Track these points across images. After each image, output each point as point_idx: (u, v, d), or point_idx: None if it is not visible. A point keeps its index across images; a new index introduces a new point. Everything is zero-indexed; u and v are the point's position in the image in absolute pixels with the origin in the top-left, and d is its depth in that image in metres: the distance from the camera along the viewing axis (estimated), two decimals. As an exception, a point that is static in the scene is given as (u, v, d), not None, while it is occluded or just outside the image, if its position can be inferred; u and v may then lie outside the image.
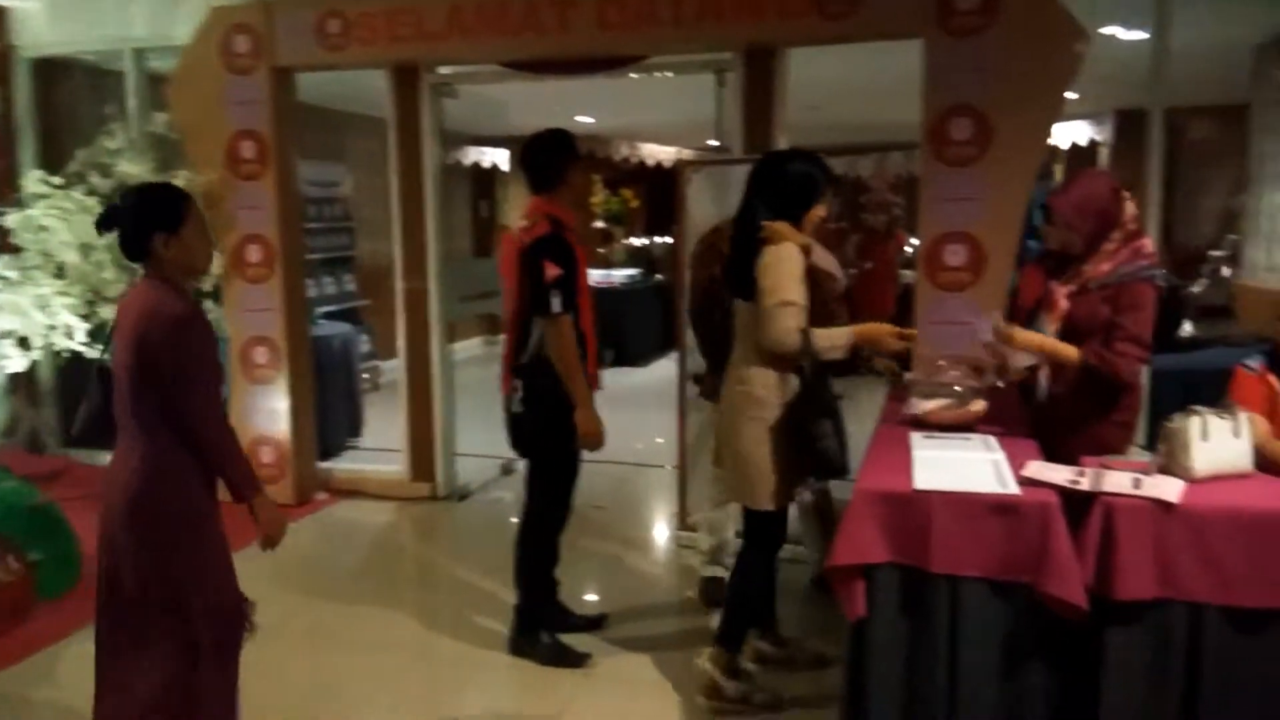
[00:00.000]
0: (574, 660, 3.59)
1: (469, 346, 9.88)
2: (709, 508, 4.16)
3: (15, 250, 5.27)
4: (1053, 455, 2.62)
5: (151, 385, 2.40)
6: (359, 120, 8.93)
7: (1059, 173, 9.58)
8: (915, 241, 4.70)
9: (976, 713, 2.39)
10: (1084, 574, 2.29)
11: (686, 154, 11.74)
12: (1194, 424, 2.41)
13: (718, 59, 4.97)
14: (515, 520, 3.74)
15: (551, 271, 3.31)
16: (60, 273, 5.26)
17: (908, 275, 5.85)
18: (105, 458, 2.59)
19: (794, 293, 2.96)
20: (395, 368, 5.86)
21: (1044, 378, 3.02)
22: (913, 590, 2.42)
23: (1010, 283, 4.30)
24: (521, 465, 3.72)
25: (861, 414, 3.79)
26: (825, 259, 3.17)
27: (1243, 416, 2.47)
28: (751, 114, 4.71)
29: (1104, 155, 9.51)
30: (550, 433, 3.51)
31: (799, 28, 4.48)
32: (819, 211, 3.12)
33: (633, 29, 4.71)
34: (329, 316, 7.56)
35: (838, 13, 4.38)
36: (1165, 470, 2.44)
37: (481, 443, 5.57)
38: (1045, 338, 2.89)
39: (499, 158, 11.10)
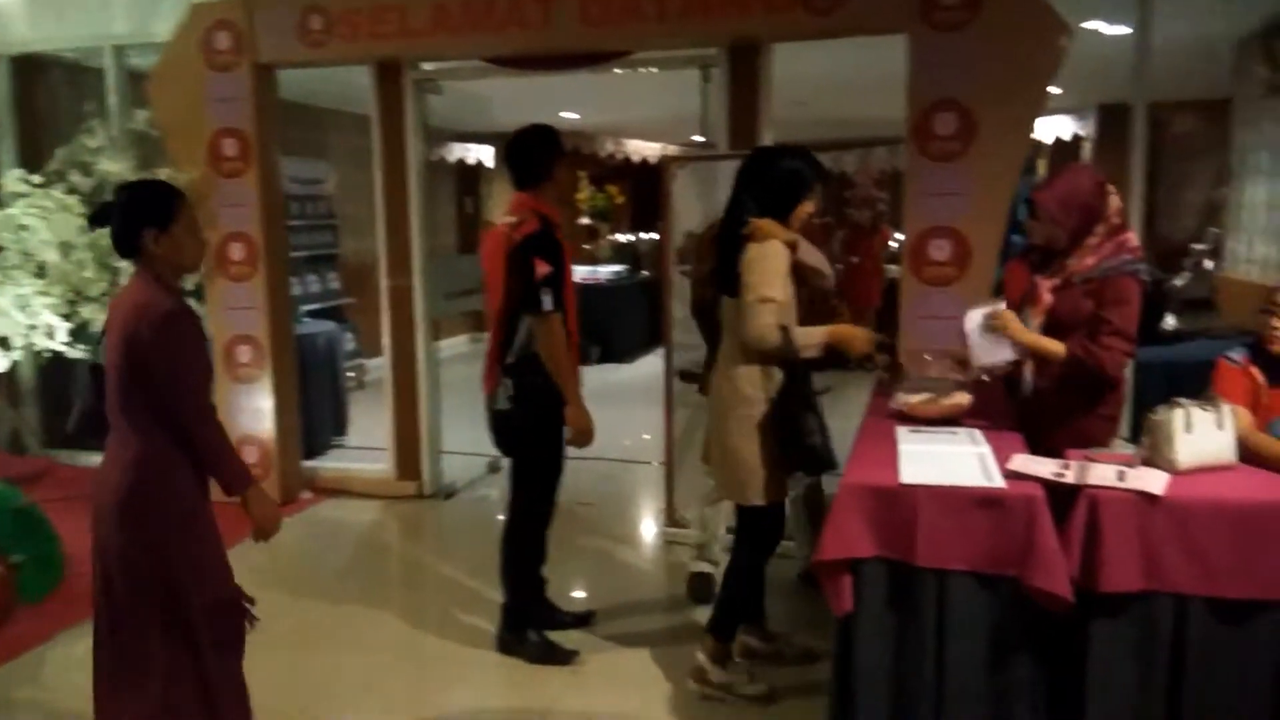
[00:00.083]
0: (562, 658, 3.58)
1: (454, 344, 9.85)
2: (702, 503, 4.16)
3: (-5, 250, 5.23)
4: (1038, 448, 2.63)
5: (141, 382, 2.40)
6: (342, 117, 8.88)
7: (1042, 167, 9.63)
8: (900, 236, 4.70)
9: (964, 705, 2.40)
10: (1069, 566, 2.30)
11: (672, 150, 11.73)
12: (1178, 416, 2.42)
13: (703, 54, 4.96)
14: (502, 518, 3.73)
15: (542, 269, 3.29)
16: (41, 272, 5.21)
17: (893, 270, 5.87)
18: (88, 458, 2.58)
19: (775, 289, 2.97)
20: (380, 365, 5.83)
21: (1028, 372, 3.03)
22: (899, 584, 2.43)
23: (995, 278, 4.32)
24: (507, 463, 3.71)
25: (850, 408, 3.79)
26: (812, 255, 3.16)
27: (1226, 409, 2.49)
28: (737, 109, 4.71)
29: (1087, 150, 9.57)
30: (538, 430, 3.50)
31: (784, 23, 4.48)
32: (807, 208, 3.12)
33: (617, 24, 4.70)
34: (313, 314, 7.52)
35: (822, 8, 4.38)
36: (1149, 463, 2.46)
37: (468, 441, 5.55)
38: (1034, 335, 2.89)
39: (483, 154, 11.06)
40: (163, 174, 5.01)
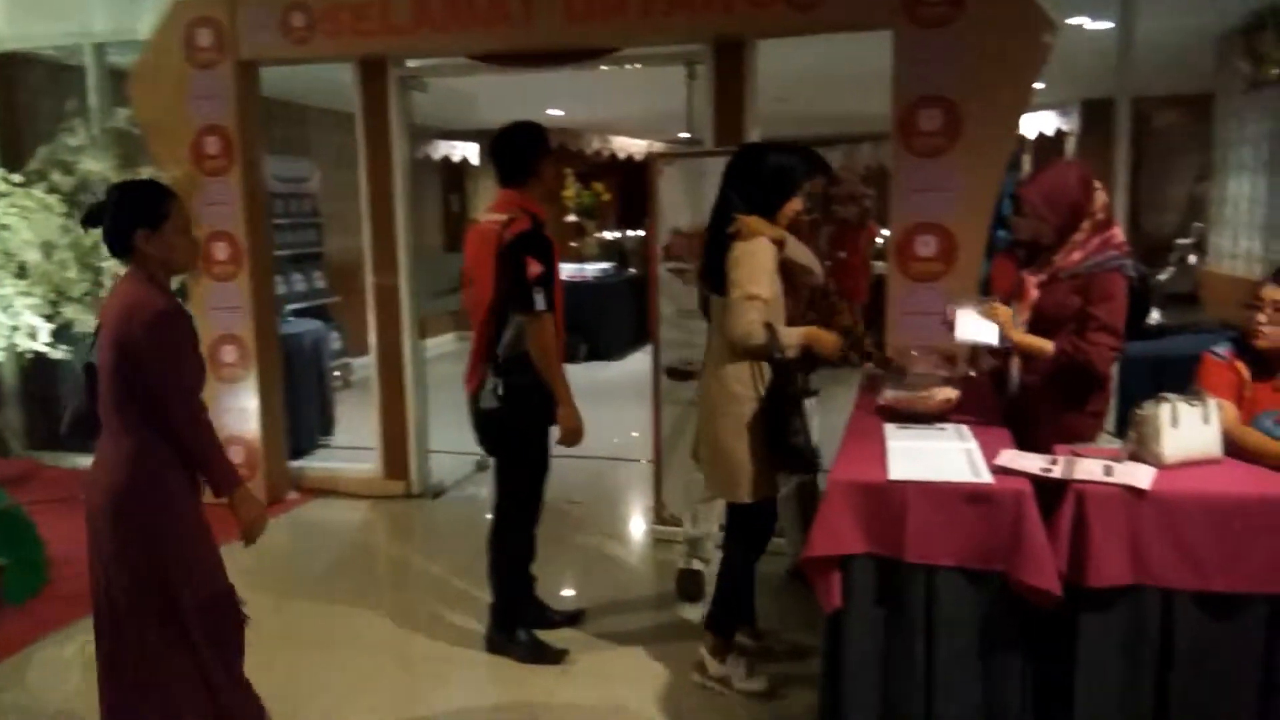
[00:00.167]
0: (551, 657, 3.57)
1: (441, 342, 9.82)
2: (695, 501, 4.16)
3: (-25, 250, 5.17)
4: (1024, 445, 2.64)
5: (133, 381, 2.40)
6: (326, 114, 8.84)
7: (1026, 163, 9.67)
8: (886, 233, 4.71)
9: (953, 700, 2.41)
10: (1057, 561, 2.31)
11: (658, 146, 11.73)
12: (1164, 411, 2.43)
13: (688, 51, 4.96)
14: (490, 517, 3.71)
15: (534, 269, 3.27)
16: (22, 272, 5.17)
17: (879, 266, 5.88)
18: (73, 460, 2.58)
19: (761, 286, 2.96)
20: (366, 365, 5.81)
21: (1015, 368, 3.04)
22: (888, 580, 2.43)
23: (981, 274, 4.33)
24: (494, 462, 3.69)
25: (841, 405, 3.79)
26: (801, 252, 3.16)
27: (1212, 403, 2.50)
28: (722, 106, 4.70)
29: (1070, 145, 9.61)
30: (525, 429, 3.48)
31: (769, 19, 4.47)
32: (795, 205, 3.12)
33: (601, 21, 4.69)
34: (298, 313, 7.48)
35: (807, 4, 4.38)
36: (1136, 457, 2.47)
37: (455, 439, 5.51)
38: (1024, 334, 2.90)
39: (469, 151, 11.03)
40: (145, 173, 4.97)
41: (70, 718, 3.24)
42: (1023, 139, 9.44)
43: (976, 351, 3.30)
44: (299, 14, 5.05)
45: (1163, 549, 2.28)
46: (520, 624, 3.63)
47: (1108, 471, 2.37)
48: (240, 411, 5.40)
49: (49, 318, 5.19)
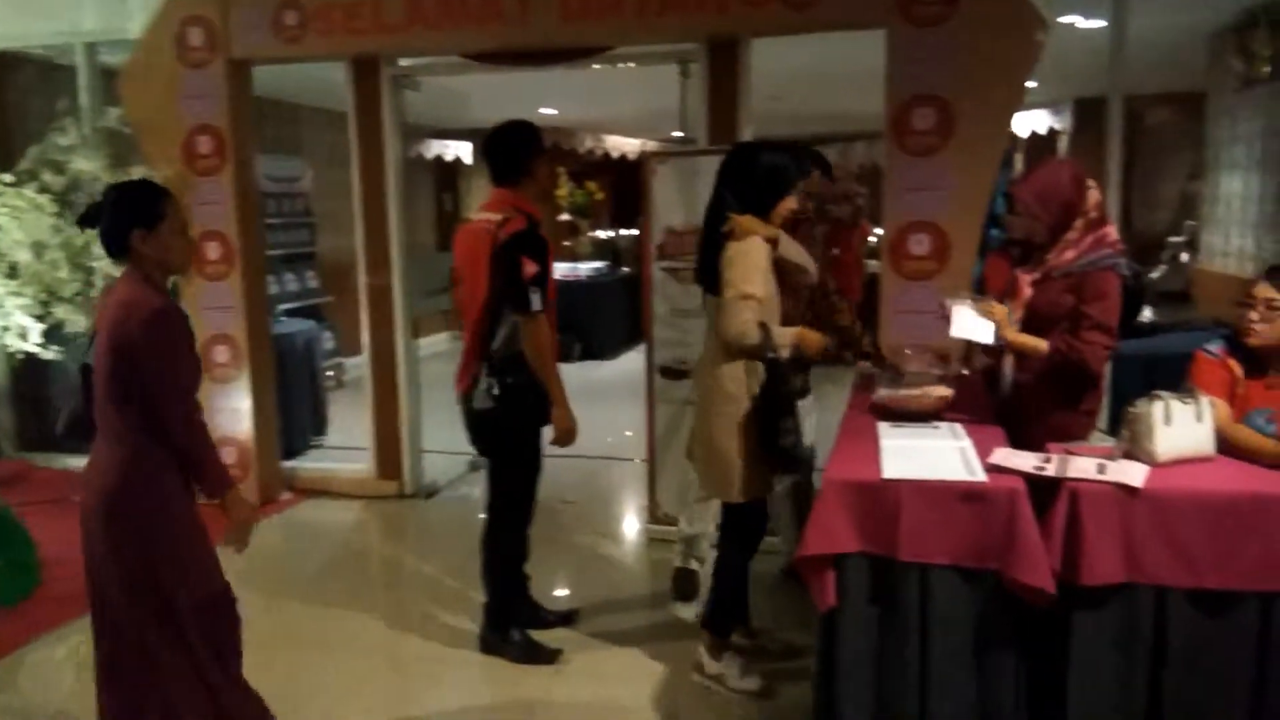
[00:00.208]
0: (545, 657, 3.57)
1: (435, 342, 9.80)
2: (691, 500, 4.15)
3: (-35, 250, 5.15)
4: (1018, 443, 2.64)
5: (129, 381, 2.40)
6: (318, 113, 8.81)
7: (1019, 162, 9.69)
8: (879, 231, 4.71)
9: (947, 699, 2.41)
10: (1051, 559, 2.31)
11: (651, 145, 11.72)
12: (1157, 409, 2.44)
13: (681, 49, 4.95)
14: (484, 517, 3.71)
15: (530, 268, 3.27)
16: (13, 273, 5.15)
17: (872, 265, 5.89)
18: (65, 461, 2.57)
19: (755, 286, 2.96)
20: (359, 364, 5.80)
21: (1008, 367, 3.04)
22: (883, 579, 2.43)
23: (974, 272, 4.33)
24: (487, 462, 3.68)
25: (835, 403, 3.79)
26: (795, 250, 3.16)
27: (1204, 401, 2.50)
28: (716, 105, 4.70)
29: (1063, 144, 9.63)
30: (519, 429, 3.48)
31: (763, 18, 4.47)
32: (789, 203, 3.12)
33: (595, 19, 4.68)
34: (291, 313, 7.46)
35: (801, 2, 4.38)
36: (1129, 455, 2.47)
37: (449, 439, 5.51)
38: (1019, 334, 2.90)
39: (462, 150, 11.01)
40: (136, 172, 4.95)
41: (64, 718, 3.23)
42: (1015, 137, 9.45)
43: (970, 349, 3.30)
44: (291, 13, 5.03)
45: (1156, 547, 2.28)
46: (514, 624, 3.63)
47: (1101, 470, 2.37)
48: (232, 412, 5.38)
49: (40, 318, 5.17)
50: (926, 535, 2.36)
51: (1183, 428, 2.45)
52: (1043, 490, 2.37)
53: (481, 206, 3.54)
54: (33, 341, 5.13)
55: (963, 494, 2.35)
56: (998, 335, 2.88)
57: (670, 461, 4.57)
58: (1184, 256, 7.89)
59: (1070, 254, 2.87)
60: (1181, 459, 2.44)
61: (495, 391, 3.37)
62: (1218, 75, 6.77)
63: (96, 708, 2.58)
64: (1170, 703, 2.32)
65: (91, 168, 5.21)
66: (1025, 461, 2.44)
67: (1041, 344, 2.85)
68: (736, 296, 2.95)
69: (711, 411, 3.13)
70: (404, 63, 5.28)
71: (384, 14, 4.94)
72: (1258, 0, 5.72)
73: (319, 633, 3.89)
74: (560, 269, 9.37)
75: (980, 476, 2.39)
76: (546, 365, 3.36)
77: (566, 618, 3.88)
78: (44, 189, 5.24)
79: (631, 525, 5.14)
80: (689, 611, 3.83)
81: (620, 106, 9.77)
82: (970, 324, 2.91)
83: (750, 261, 2.98)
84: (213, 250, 5.27)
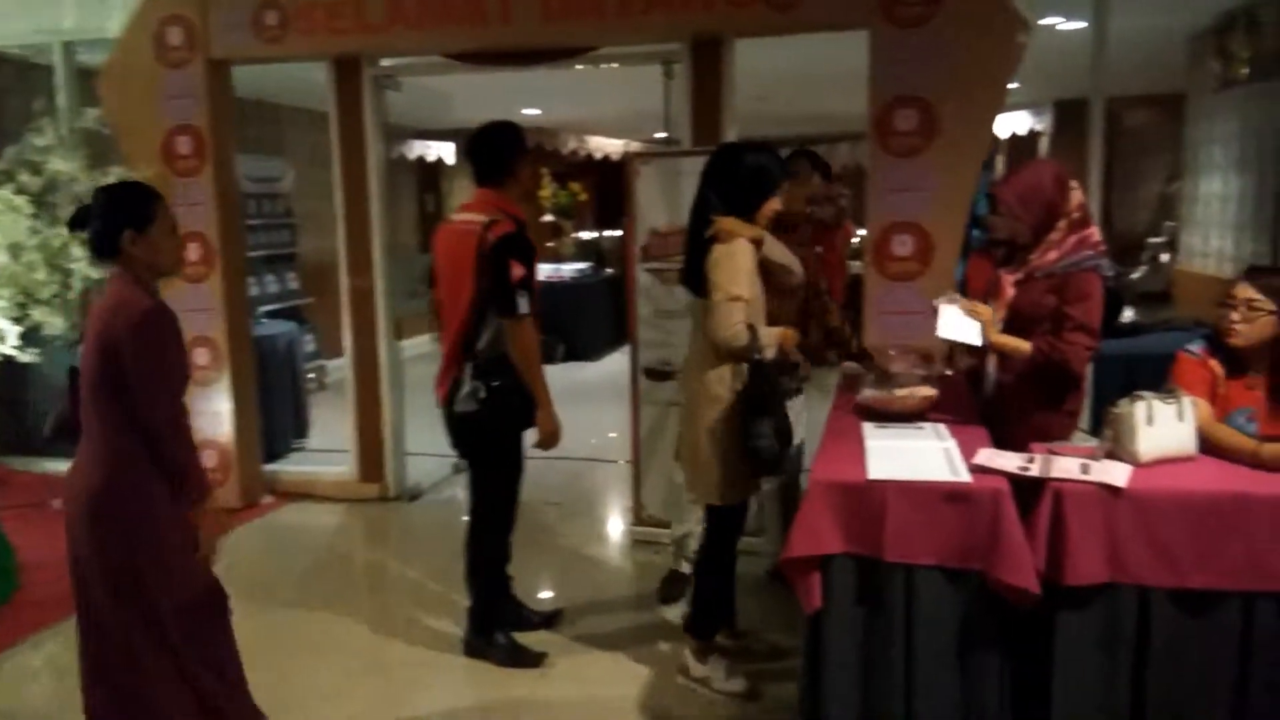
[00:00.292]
0: (530, 660, 3.55)
1: (417, 344, 9.70)
2: (683, 501, 4.15)
3: (-60, 252, 5.07)
4: (1001, 443, 2.64)
5: (117, 382, 2.38)
6: (300, 113, 8.76)
7: (1000, 163, 9.74)
8: (862, 232, 4.72)
9: (933, 698, 2.41)
10: (1035, 560, 2.31)
11: (635, 146, 11.72)
12: (1139, 409, 2.45)
13: (665, 50, 4.94)
14: (466, 520, 3.69)
15: (517, 271, 3.25)
16: (-11, 274, 5.07)
17: (855, 265, 5.91)
18: (43, 465, 2.54)
19: (741, 288, 2.96)
20: (341, 366, 5.76)
21: (991, 367, 3.05)
22: (868, 580, 2.43)
23: (957, 273, 4.35)
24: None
25: (821, 404, 3.80)
26: (779, 251, 3.16)
27: (1186, 400, 2.51)
28: (700, 105, 4.70)
29: (1044, 145, 9.69)
30: (503, 432, 3.46)
31: (746, 18, 4.47)
32: (774, 204, 3.11)
33: (578, 19, 4.67)
34: (272, 315, 7.42)
35: (785, 3, 4.38)
36: (1112, 455, 2.48)
37: (432, 442, 5.46)
38: (1002, 336, 2.91)
39: (444, 151, 10.97)
40: (115, 173, 4.90)
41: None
42: (997, 139, 9.51)
43: (953, 350, 3.31)
44: (272, 12, 5.00)
45: (1139, 546, 2.29)
46: (498, 627, 3.61)
47: (1084, 470, 2.38)
48: (213, 415, 5.33)
49: (17, 320, 5.10)
50: (911, 536, 2.36)
51: (1165, 428, 2.46)
52: (1026, 490, 2.38)
53: (464, 207, 3.52)
54: (10, 344, 5.06)
55: (947, 494, 2.35)
56: (982, 336, 2.89)
57: (655, 463, 4.57)
58: (1164, 257, 7.95)
59: (1053, 255, 2.88)
60: (1164, 459, 2.45)
61: (481, 395, 3.34)
62: (1197, 77, 6.83)
63: (84, 708, 2.56)
64: (1153, 702, 2.33)
65: (69, 168, 5.14)
66: (1009, 462, 2.44)
67: (1024, 345, 2.86)
68: (725, 299, 2.94)
69: (698, 414, 3.13)
70: (386, 63, 5.26)
71: (366, 14, 4.92)
72: (1236, 2, 5.77)
73: (302, 637, 3.86)
74: (544, 270, 9.36)
75: (964, 477, 2.39)
76: (533, 367, 3.35)
77: (550, 619, 3.87)
78: (20, 190, 5.16)
79: (616, 527, 5.12)
80: (674, 613, 3.82)
81: (604, 107, 9.76)
82: (957, 324, 2.91)
83: (736, 264, 2.98)
84: (193, 252, 5.22)
